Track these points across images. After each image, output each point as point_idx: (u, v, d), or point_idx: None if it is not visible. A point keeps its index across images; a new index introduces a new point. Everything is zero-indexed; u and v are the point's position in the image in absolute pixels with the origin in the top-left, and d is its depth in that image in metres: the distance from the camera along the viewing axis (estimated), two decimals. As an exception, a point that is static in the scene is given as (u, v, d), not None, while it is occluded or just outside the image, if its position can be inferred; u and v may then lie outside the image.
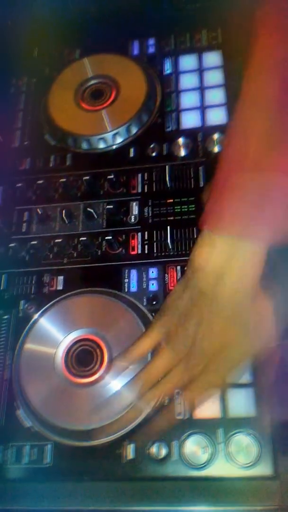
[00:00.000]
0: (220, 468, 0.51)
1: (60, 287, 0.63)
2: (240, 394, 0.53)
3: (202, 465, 0.51)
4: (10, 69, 0.83)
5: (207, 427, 0.52)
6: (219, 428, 0.52)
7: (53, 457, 0.54)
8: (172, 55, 0.78)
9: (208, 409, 0.53)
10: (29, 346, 0.58)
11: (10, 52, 0.84)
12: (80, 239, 0.64)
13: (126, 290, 0.61)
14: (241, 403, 0.53)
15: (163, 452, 0.52)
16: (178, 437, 0.52)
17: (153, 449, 0.52)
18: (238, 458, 0.50)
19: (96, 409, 0.53)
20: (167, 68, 0.77)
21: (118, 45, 0.80)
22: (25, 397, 0.55)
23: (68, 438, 0.54)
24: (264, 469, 0.50)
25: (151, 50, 0.80)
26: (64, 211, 0.66)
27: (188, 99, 0.73)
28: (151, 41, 0.80)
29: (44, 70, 0.82)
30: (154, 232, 0.64)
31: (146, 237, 0.64)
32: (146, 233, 0.64)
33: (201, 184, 0.66)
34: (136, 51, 0.80)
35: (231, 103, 0.71)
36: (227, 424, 0.52)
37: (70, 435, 0.54)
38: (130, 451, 0.53)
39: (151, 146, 0.69)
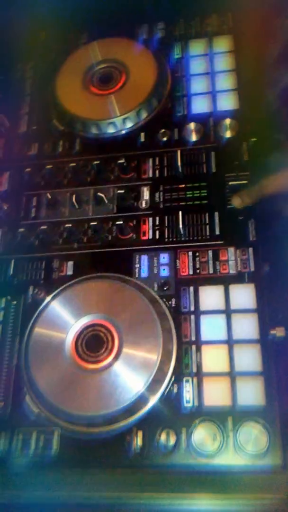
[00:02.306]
0: (228, 458, 0.50)
1: (69, 273, 0.62)
2: (251, 382, 0.53)
3: (211, 454, 0.51)
4: (17, 54, 0.82)
5: (217, 415, 0.52)
6: (229, 416, 0.52)
7: (60, 444, 0.53)
8: (182, 40, 0.77)
9: (218, 397, 0.53)
10: (39, 330, 0.58)
11: (17, 36, 0.82)
12: (91, 224, 0.64)
13: (136, 275, 0.60)
14: (251, 391, 0.53)
15: (173, 439, 0.52)
16: (187, 424, 0.52)
17: (163, 436, 0.52)
18: (247, 448, 0.50)
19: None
20: (177, 52, 0.76)
21: (126, 29, 0.79)
22: (34, 381, 0.55)
23: (76, 425, 0.54)
24: (273, 459, 0.50)
25: (161, 34, 0.79)
26: (74, 196, 0.65)
27: (199, 84, 0.73)
28: (161, 25, 0.79)
29: (51, 54, 0.81)
30: (165, 217, 0.63)
31: (157, 222, 0.63)
32: (157, 218, 0.63)
33: (213, 169, 0.65)
34: (145, 35, 0.79)
35: (242, 88, 0.70)
36: (237, 413, 0.52)
37: (78, 422, 0.53)
38: (138, 439, 0.52)
39: (162, 131, 0.69)
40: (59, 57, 0.79)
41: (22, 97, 0.78)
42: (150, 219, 0.64)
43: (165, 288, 0.59)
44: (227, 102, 0.70)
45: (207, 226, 0.62)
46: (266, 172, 0.62)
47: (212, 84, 0.72)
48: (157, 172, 0.67)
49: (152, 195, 0.65)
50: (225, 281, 0.58)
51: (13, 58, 0.82)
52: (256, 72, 0.71)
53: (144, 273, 0.60)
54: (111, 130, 0.70)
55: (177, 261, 0.60)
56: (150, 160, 0.67)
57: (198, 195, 0.64)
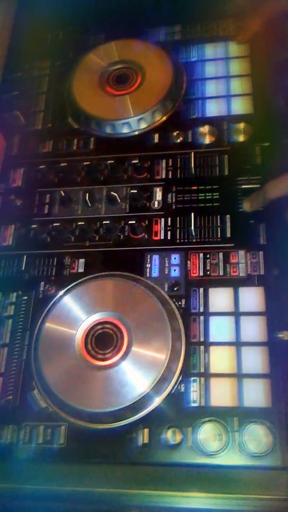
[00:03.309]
0: (232, 457, 0.51)
1: (81, 270, 0.63)
2: (257, 384, 0.53)
3: (215, 453, 0.51)
4: (34, 52, 0.82)
5: (222, 415, 0.52)
6: (234, 417, 0.52)
7: (66, 438, 0.54)
8: (198, 43, 0.77)
9: (225, 398, 0.53)
10: (49, 324, 0.58)
11: (35, 35, 0.83)
12: (103, 222, 0.64)
13: (147, 275, 0.61)
14: (258, 393, 0.53)
15: (178, 437, 0.52)
16: (193, 423, 0.52)
17: (168, 434, 0.52)
18: (251, 448, 0.51)
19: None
20: (193, 55, 0.77)
21: (143, 31, 0.79)
22: (42, 376, 0.56)
23: (83, 420, 0.54)
24: (276, 459, 0.50)
25: (177, 37, 0.79)
26: (87, 194, 0.66)
27: (214, 88, 0.73)
28: (178, 28, 0.80)
29: (68, 53, 0.81)
30: (177, 218, 0.64)
31: (169, 223, 0.64)
32: (169, 219, 0.64)
33: (226, 172, 0.66)
34: (162, 37, 0.79)
35: (257, 93, 0.71)
36: (243, 413, 0.52)
37: (85, 417, 0.54)
38: (144, 436, 0.53)
39: (176, 133, 0.69)
40: (76, 56, 0.79)
41: (38, 95, 0.78)
42: (162, 219, 0.64)
43: (175, 289, 0.59)
44: (241, 106, 0.71)
45: (219, 229, 0.62)
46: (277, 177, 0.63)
47: (227, 88, 0.72)
48: (170, 173, 0.67)
49: (164, 196, 0.66)
50: (235, 283, 0.59)
51: (30, 56, 0.82)
52: (270, 77, 0.71)
53: (155, 273, 0.61)
54: (125, 130, 0.71)
55: (188, 262, 0.61)
56: (164, 161, 0.68)
57: (210, 197, 0.64)
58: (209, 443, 0.51)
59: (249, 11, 0.77)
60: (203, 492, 0.51)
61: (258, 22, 0.73)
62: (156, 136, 0.70)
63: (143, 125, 0.70)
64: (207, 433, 0.52)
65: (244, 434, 0.51)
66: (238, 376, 0.54)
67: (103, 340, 0.57)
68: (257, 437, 0.51)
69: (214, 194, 0.64)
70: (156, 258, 0.62)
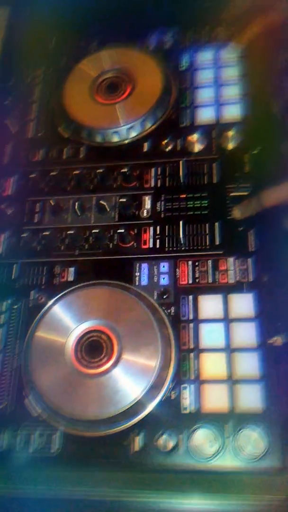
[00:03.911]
0: (227, 461, 0.51)
1: (71, 279, 0.63)
2: (250, 388, 0.54)
3: (209, 458, 0.51)
4: (26, 60, 0.83)
5: (216, 421, 0.52)
6: (227, 422, 0.52)
7: (61, 444, 0.54)
8: (189, 50, 0.78)
9: (216, 404, 0.53)
10: (40, 334, 0.58)
11: (27, 42, 0.84)
12: (92, 231, 0.64)
13: (137, 283, 0.61)
14: (249, 398, 0.53)
15: (171, 443, 0.52)
16: (186, 429, 0.53)
17: (161, 441, 0.52)
18: (246, 452, 0.51)
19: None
20: (184, 62, 0.77)
21: (134, 38, 0.80)
22: (34, 384, 0.56)
23: (76, 427, 0.54)
24: (272, 461, 0.50)
25: (168, 43, 0.80)
26: (76, 203, 0.66)
27: (204, 95, 0.73)
28: (168, 35, 0.80)
29: (60, 61, 0.82)
30: (166, 226, 0.64)
31: (158, 232, 0.64)
32: (158, 227, 0.64)
33: (215, 180, 0.66)
34: (153, 44, 0.80)
35: (246, 100, 0.71)
36: (235, 419, 0.52)
37: (78, 424, 0.54)
38: (138, 441, 0.53)
39: (165, 141, 0.70)
40: (68, 64, 0.80)
41: (29, 103, 0.79)
42: (151, 228, 0.64)
43: (164, 297, 0.60)
44: (230, 114, 0.71)
45: (208, 236, 0.62)
46: (267, 184, 0.63)
47: (216, 95, 0.73)
48: (159, 181, 0.67)
49: (153, 204, 0.66)
50: (224, 290, 0.59)
51: (22, 64, 0.83)
52: (259, 85, 0.72)
53: (144, 281, 0.61)
54: (115, 139, 0.71)
55: (177, 270, 0.61)
56: (153, 170, 0.68)
57: (199, 205, 0.65)
58: (202, 450, 0.51)
59: (239, 18, 0.78)
60: (200, 494, 0.51)
61: (255, 29, 0.73)
62: (146, 144, 0.70)
63: (133, 134, 0.71)
64: (199, 440, 0.52)
65: (238, 439, 0.51)
66: (229, 382, 0.54)
67: (93, 348, 0.57)
68: (249, 442, 0.51)
69: (203, 201, 0.65)
70: (145, 266, 0.62)
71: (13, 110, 0.78)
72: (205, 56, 0.77)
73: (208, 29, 0.79)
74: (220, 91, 0.73)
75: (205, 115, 0.72)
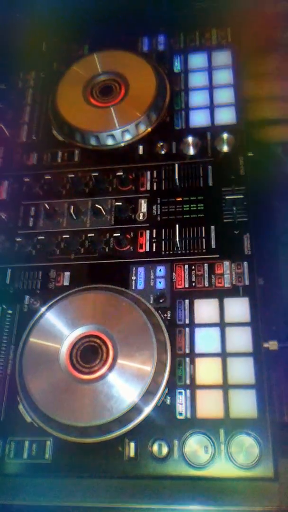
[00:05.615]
0: (220, 469, 0.51)
1: (66, 283, 0.63)
2: (243, 395, 0.53)
3: (202, 465, 0.51)
4: (18, 64, 0.82)
5: (209, 427, 0.52)
6: (220, 429, 0.52)
7: (53, 453, 0.54)
8: (182, 53, 0.78)
9: (211, 409, 0.53)
10: (34, 340, 0.58)
11: (18, 46, 0.83)
12: (88, 235, 0.64)
13: (133, 287, 0.61)
14: (243, 404, 0.53)
15: (164, 450, 0.52)
16: (179, 436, 0.52)
17: (155, 448, 0.52)
18: (238, 459, 0.50)
19: None
20: (177, 66, 0.77)
21: (127, 41, 0.80)
22: (27, 391, 0.55)
23: (69, 434, 0.54)
24: (264, 470, 0.50)
25: (161, 47, 0.79)
26: (72, 207, 0.66)
27: (197, 98, 0.73)
28: (161, 38, 0.80)
29: (52, 65, 0.81)
30: (162, 230, 0.64)
31: (154, 235, 0.64)
32: (154, 231, 0.64)
33: (210, 183, 0.66)
34: (145, 48, 0.80)
35: (240, 103, 0.71)
36: (229, 425, 0.52)
37: (71, 431, 0.54)
38: (131, 449, 0.52)
39: (160, 144, 0.69)
40: (61, 68, 0.80)
41: (22, 107, 0.78)
42: (147, 231, 0.64)
43: (161, 301, 0.59)
44: (225, 117, 0.71)
45: (203, 240, 0.62)
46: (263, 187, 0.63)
47: (211, 98, 0.73)
48: (155, 185, 0.67)
49: (149, 207, 0.66)
50: (220, 294, 0.59)
51: (14, 68, 0.82)
52: (253, 87, 0.72)
53: (140, 285, 0.61)
54: (110, 142, 0.71)
55: (173, 274, 0.61)
56: (148, 173, 0.68)
57: (195, 208, 0.64)
58: (196, 456, 0.51)
59: (233, 21, 0.78)
60: (194, 505, 0.51)
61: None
62: (141, 148, 0.70)
63: (127, 137, 0.71)
64: (193, 447, 0.52)
65: (231, 445, 0.51)
66: (224, 387, 0.54)
67: (88, 353, 0.56)
68: (243, 448, 0.51)
69: (199, 205, 0.64)
70: (141, 270, 0.62)
71: (7, 114, 0.78)
72: (199, 59, 0.77)
73: (200, 32, 0.79)
74: (214, 94, 0.73)
75: (199, 118, 0.71)
